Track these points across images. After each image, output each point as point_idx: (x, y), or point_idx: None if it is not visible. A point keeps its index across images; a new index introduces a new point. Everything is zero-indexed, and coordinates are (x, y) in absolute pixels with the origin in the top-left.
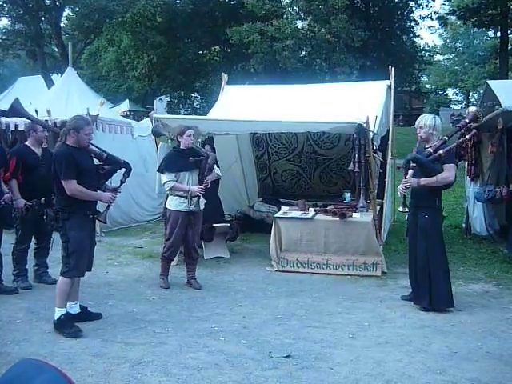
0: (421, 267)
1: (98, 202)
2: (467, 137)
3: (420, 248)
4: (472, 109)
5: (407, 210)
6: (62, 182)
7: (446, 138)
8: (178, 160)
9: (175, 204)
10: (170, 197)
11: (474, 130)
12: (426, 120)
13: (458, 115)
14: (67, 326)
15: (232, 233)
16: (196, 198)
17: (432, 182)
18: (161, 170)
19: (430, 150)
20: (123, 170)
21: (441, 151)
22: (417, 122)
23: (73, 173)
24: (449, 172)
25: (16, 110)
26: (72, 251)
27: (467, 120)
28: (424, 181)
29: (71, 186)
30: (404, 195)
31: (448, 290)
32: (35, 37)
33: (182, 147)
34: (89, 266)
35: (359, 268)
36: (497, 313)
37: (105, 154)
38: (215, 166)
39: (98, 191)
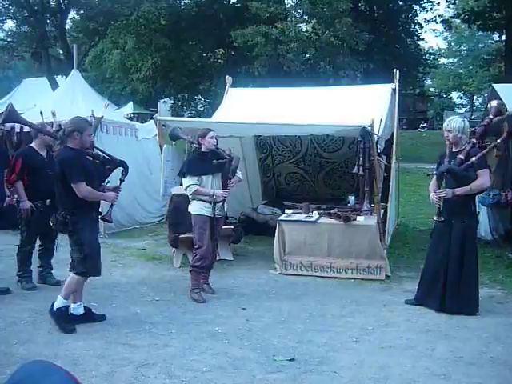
0: (454, 274)
1: (101, 202)
2: (498, 141)
3: (454, 255)
4: (494, 103)
5: (442, 218)
6: (73, 185)
7: (475, 141)
8: (200, 163)
9: (199, 208)
10: (192, 202)
11: (506, 134)
12: (455, 123)
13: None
14: (65, 318)
15: (235, 235)
16: (220, 203)
17: (467, 191)
18: (182, 174)
19: (461, 156)
20: (121, 169)
21: (473, 159)
22: (445, 125)
23: (82, 175)
24: (483, 178)
25: (12, 116)
26: (88, 253)
27: (491, 116)
28: (459, 190)
29: (82, 189)
30: (438, 205)
31: (477, 295)
32: (40, 39)
33: (203, 150)
34: None
35: (363, 271)
36: (502, 318)
37: (101, 155)
38: (237, 170)
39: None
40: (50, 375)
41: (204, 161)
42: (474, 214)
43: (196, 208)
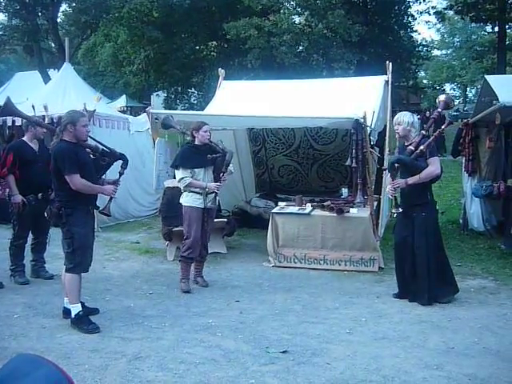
0: (421, 265)
1: (99, 195)
2: (443, 127)
3: (419, 246)
4: (442, 97)
5: (400, 210)
6: (66, 177)
7: (424, 133)
8: (193, 156)
9: (191, 200)
10: (184, 193)
11: (465, 120)
12: (404, 117)
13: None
14: (86, 322)
15: (229, 228)
16: (213, 195)
17: (417, 179)
18: (175, 166)
19: (412, 147)
20: (120, 162)
21: (421, 147)
22: (395, 120)
23: (76, 167)
24: (433, 166)
25: (9, 109)
26: (77, 247)
27: (440, 109)
28: (411, 179)
29: (76, 181)
30: (395, 197)
31: (453, 277)
32: (32, 32)
33: (196, 143)
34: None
35: (356, 263)
36: (494, 308)
37: (100, 148)
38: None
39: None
40: (39, 368)
41: (197, 154)
42: (433, 204)
43: (187, 199)
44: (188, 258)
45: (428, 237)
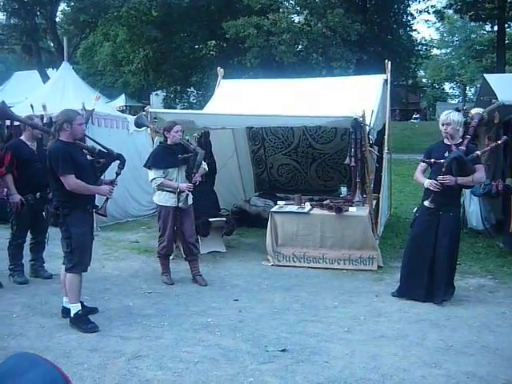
0: (441, 264)
1: (97, 195)
2: (499, 142)
3: (443, 245)
4: (477, 110)
5: (433, 206)
6: (61, 177)
7: (470, 137)
8: (165, 156)
9: (164, 199)
10: (157, 192)
11: (505, 137)
12: (453, 116)
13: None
14: (84, 321)
15: (228, 227)
16: (184, 194)
17: (469, 181)
18: (148, 167)
19: (463, 148)
20: (117, 162)
21: (478, 152)
22: (443, 119)
23: (70, 167)
24: (481, 173)
25: (3, 113)
26: (75, 247)
27: (474, 125)
28: (461, 180)
29: (70, 181)
30: (435, 191)
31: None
32: (30, 31)
33: (169, 143)
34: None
35: (355, 262)
36: (492, 307)
37: (97, 148)
38: (202, 161)
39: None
40: (36, 367)
41: (169, 154)
42: (460, 206)
43: (160, 198)
44: (164, 255)
45: (451, 237)
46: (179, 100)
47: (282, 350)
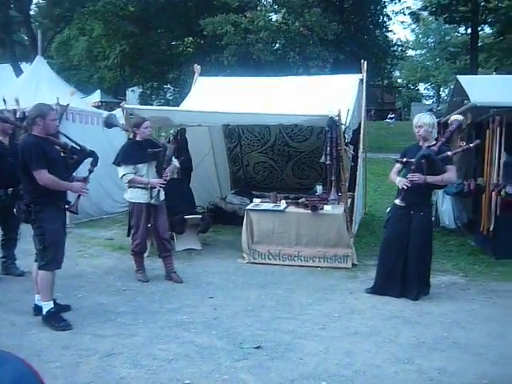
0: (414, 262)
1: (69, 192)
2: (472, 145)
3: (414, 244)
4: (457, 117)
5: (404, 204)
6: (33, 172)
7: (444, 139)
8: (135, 152)
9: (136, 196)
10: (129, 189)
11: (478, 141)
12: (425, 119)
13: (429, 110)
14: (57, 319)
15: (204, 225)
16: (156, 191)
17: (438, 180)
18: (117, 163)
19: (435, 148)
20: (90, 159)
21: (449, 153)
22: (415, 122)
23: (43, 162)
24: (452, 173)
25: None
26: (49, 244)
27: (451, 130)
28: (431, 178)
29: (43, 176)
30: (403, 188)
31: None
32: (4, 24)
33: (138, 139)
34: None
35: (330, 260)
36: (463, 304)
37: (69, 145)
38: (173, 158)
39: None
40: (5, 363)
41: (139, 150)
42: (431, 206)
43: (132, 195)
44: (138, 252)
45: (423, 236)
46: (156, 96)
47: (257, 347)
